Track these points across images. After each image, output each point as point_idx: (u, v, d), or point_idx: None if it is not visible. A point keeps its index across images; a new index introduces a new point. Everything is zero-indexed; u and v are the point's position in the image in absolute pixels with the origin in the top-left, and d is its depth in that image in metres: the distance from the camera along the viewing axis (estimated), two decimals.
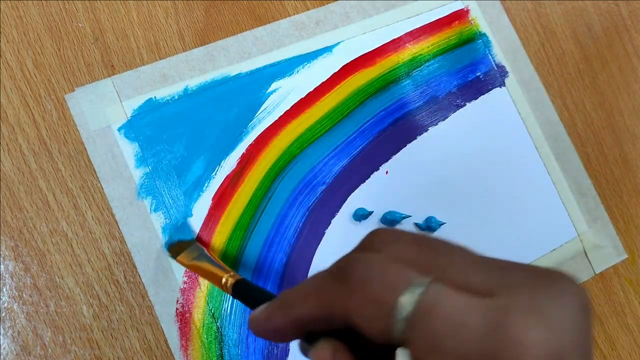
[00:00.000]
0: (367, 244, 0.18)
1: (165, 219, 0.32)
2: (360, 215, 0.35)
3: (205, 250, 0.31)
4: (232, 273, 0.28)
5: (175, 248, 0.31)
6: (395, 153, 0.37)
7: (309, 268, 0.34)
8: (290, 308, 0.18)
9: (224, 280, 0.27)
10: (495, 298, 0.15)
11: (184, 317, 0.31)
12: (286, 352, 0.32)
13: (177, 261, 0.31)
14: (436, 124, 0.38)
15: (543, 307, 0.14)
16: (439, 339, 0.14)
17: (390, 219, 0.35)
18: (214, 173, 0.33)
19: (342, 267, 0.17)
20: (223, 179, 0.33)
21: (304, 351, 0.20)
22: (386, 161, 0.36)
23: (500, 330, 0.14)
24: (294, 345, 0.32)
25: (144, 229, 0.32)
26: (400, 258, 0.16)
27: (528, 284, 0.15)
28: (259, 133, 0.34)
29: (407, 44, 0.38)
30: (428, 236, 0.18)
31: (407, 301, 0.15)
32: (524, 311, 0.14)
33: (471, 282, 0.15)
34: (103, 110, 0.32)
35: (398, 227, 0.35)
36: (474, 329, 0.14)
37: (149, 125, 0.33)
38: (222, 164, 0.33)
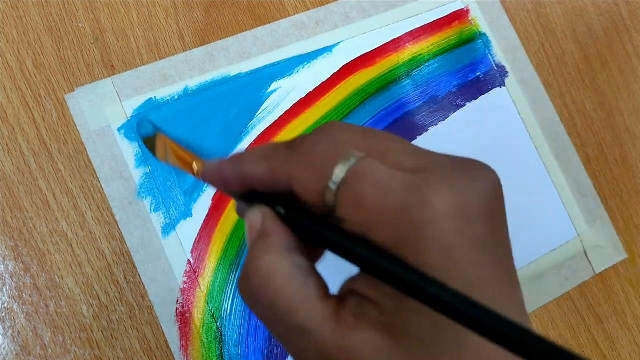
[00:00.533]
0: (319, 130, 0.19)
1: (165, 219, 0.32)
2: None
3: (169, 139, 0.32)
4: (200, 159, 0.28)
5: (149, 142, 0.32)
6: None
7: None
8: (241, 164, 0.20)
9: (194, 166, 0.27)
10: (419, 174, 0.17)
11: (184, 317, 0.31)
12: (286, 353, 0.32)
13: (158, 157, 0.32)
14: (436, 124, 0.38)
15: (456, 180, 0.16)
16: (363, 195, 0.16)
17: None
18: None
19: (293, 140, 0.19)
20: None
21: (240, 213, 0.21)
22: None
23: (416, 191, 0.16)
24: None
25: (144, 229, 0.32)
26: (345, 141, 0.18)
27: (450, 166, 0.17)
28: (259, 133, 0.34)
29: (407, 44, 0.38)
30: (375, 129, 0.19)
31: (340, 169, 0.17)
32: (440, 181, 0.16)
33: (403, 163, 0.17)
34: (103, 110, 0.32)
35: None
36: (395, 189, 0.16)
37: (148, 125, 0.33)
38: None
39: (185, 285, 0.31)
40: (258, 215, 0.19)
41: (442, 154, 0.18)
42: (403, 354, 0.16)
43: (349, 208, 0.17)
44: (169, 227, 0.32)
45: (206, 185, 0.33)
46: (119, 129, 0.32)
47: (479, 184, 0.17)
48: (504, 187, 0.18)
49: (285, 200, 0.19)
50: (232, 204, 0.33)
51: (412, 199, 0.16)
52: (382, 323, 0.16)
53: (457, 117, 0.38)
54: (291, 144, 0.19)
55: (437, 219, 0.15)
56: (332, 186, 0.17)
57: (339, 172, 0.17)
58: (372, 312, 0.16)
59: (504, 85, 0.40)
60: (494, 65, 0.40)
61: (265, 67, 0.35)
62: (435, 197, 0.16)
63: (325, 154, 0.18)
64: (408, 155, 0.18)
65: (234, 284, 0.32)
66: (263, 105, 0.35)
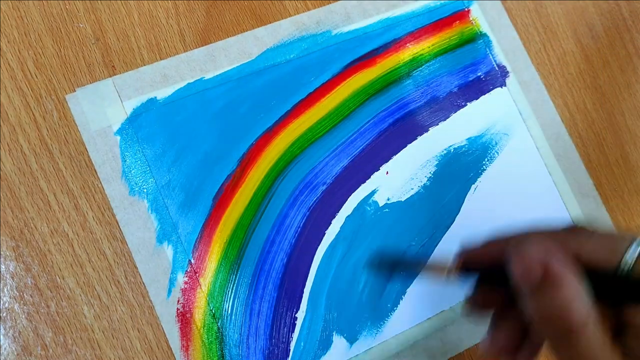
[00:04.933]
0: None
1: (166, 218, 0.32)
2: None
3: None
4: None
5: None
6: (395, 153, 0.37)
7: (310, 268, 0.34)
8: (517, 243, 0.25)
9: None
10: None
11: (184, 317, 0.31)
12: (287, 353, 0.32)
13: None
14: (437, 124, 0.38)
15: None
16: None
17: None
18: (214, 173, 0.33)
19: (570, 227, 0.26)
20: (224, 179, 0.33)
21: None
22: (387, 161, 0.36)
23: None
24: (294, 346, 0.32)
25: (145, 229, 0.32)
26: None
27: None
28: (260, 133, 0.34)
29: (407, 44, 0.38)
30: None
31: (634, 248, 0.23)
32: None
33: None
34: (104, 110, 0.32)
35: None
36: None
37: (149, 125, 0.33)
38: (223, 164, 0.33)
39: (186, 286, 0.31)
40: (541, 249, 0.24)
41: None
42: None
43: None
44: (169, 227, 0.32)
45: (209, 185, 0.33)
46: (119, 129, 0.32)
47: None
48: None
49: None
50: (233, 204, 0.33)
51: None
52: None
53: (458, 117, 0.38)
54: (572, 229, 0.26)
55: None
56: (629, 258, 0.23)
57: (633, 250, 0.23)
58: None
59: (505, 86, 0.40)
60: (495, 65, 0.40)
61: (265, 67, 0.35)
62: None
63: (616, 236, 0.24)
64: None
65: (235, 285, 0.32)
66: (263, 107, 0.35)
